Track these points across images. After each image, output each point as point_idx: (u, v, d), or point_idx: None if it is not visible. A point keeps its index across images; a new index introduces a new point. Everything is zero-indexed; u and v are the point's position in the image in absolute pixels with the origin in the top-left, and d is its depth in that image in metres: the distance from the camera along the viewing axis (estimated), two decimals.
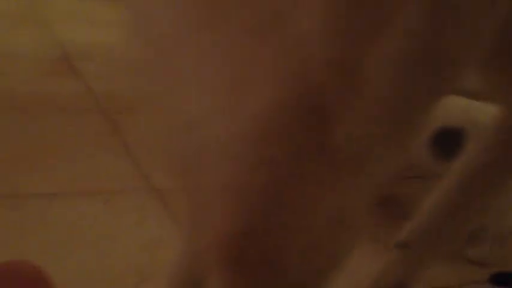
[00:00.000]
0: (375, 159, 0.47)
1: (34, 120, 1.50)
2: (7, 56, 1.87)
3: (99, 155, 1.41)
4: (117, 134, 1.51)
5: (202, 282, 0.54)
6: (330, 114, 0.43)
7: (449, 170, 1.29)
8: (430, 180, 1.58)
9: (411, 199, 1.61)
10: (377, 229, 1.37)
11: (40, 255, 1.00)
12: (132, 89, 1.77)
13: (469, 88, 1.32)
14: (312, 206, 0.47)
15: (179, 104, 0.48)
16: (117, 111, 1.64)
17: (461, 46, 0.48)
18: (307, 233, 0.48)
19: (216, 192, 0.48)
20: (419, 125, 0.50)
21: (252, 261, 0.49)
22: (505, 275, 1.19)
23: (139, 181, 1.33)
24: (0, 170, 1.25)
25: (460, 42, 0.48)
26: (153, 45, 0.49)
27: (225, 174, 0.47)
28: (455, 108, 1.29)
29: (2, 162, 1.28)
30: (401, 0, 0.42)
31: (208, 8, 0.44)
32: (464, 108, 1.30)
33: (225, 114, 0.45)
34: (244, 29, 0.43)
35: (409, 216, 1.12)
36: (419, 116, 0.50)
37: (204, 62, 0.45)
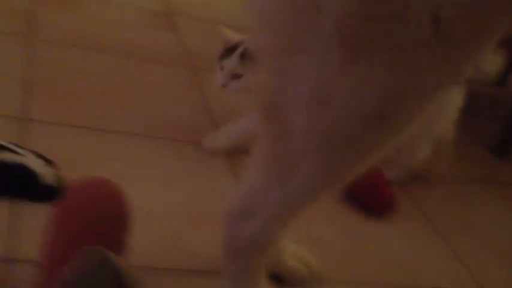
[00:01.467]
0: None
1: (125, 64, 1.64)
2: (115, 4, 2.03)
3: (178, 106, 1.52)
4: (199, 89, 1.62)
5: None
6: None
7: None
8: None
9: None
10: None
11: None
12: None
13: None
14: None
15: None
16: (203, 69, 1.74)
17: None
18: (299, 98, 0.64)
19: None
20: None
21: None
22: None
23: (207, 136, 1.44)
24: (89, 104, 1.39)
25: None
26: None
27: None
28: None
29: (91, 98, 1.42)
30: None
31: None
32: None
33: None
34: None
35: None
36: None
37: None
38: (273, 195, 0.75)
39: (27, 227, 1.00)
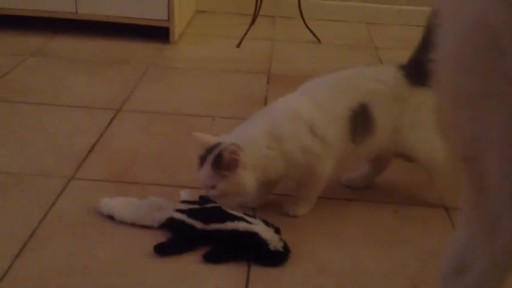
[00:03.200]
0: None
1: None
2: None
3: (400, 169, 1.56)
4: None
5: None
6: None
7: None
8: None
9: None
10: None
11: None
12: None
13: None
14: None
15: None
16: None
17: None
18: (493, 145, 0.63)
19: None
20: None
21: None
22: None
23: (430, 197, 1.44)
24: None
25: None
26: None
27: None
28: None
29: None
30: None
31: None
32: None
33: None
34: None
35: None
36: None
37: None
38: (482, 250, 0.74)
39: None
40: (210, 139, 1.30)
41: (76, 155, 1.55)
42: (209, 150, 1.27)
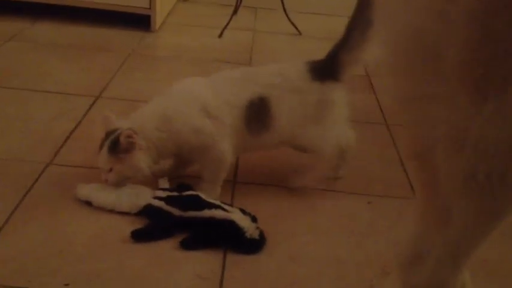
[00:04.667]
0: None
1: None
2: None
3: (375, 162, 1.58)
4: (394, 146, 1.67)
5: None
6: None
7: None
8: None
9: None
10: None
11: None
12: None
13: None
14: None
15: None
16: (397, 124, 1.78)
17: None
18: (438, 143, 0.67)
19: None
20: None
21: None
22: None
23: (403, 190, 1.47)
24: (284, 167, 1.53)
25: None
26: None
27: None
28: None
29: (284, 162, 1.56)
30: None
31: None
32: None
33: None
34: None
35: None
36: None
37: None
38: (435, 240, 0.77)
39: (232, 276, 1.14)
40: (115, 123, 1.32)
41: (54, 140, 1.55)
42: (107, 135, 1.31)
